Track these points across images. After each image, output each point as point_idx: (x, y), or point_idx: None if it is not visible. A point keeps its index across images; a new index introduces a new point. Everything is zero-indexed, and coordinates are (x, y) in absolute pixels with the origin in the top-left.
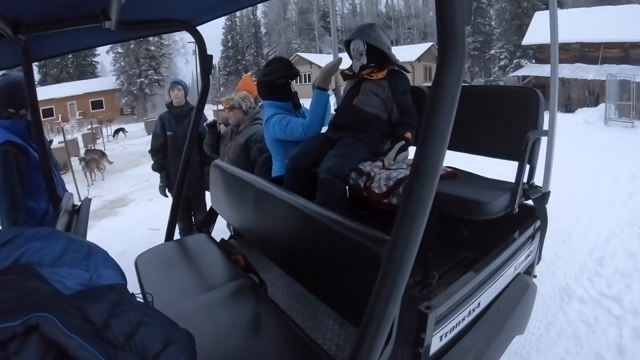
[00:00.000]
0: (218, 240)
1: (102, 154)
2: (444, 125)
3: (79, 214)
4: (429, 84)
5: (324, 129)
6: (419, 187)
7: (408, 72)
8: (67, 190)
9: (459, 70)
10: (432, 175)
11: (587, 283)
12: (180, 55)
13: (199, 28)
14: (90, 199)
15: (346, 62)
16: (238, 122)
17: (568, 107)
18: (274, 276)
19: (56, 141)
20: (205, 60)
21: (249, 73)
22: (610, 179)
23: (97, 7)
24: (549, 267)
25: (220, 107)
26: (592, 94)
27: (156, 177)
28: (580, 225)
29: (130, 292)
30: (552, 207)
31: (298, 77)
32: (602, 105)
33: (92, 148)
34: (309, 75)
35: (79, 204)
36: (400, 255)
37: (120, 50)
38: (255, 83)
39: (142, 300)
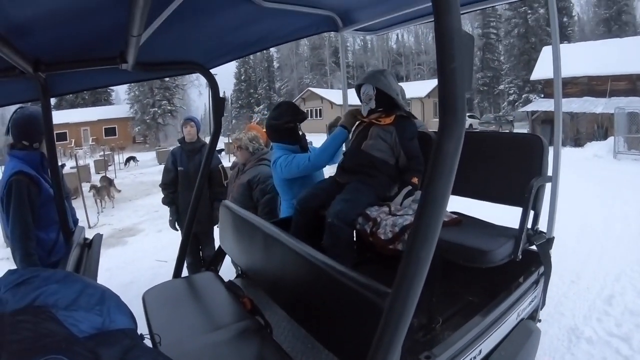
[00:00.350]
0: (226, 278)
1: (110, 182)
2: (443, 192)
3: (90, 249)
4: (437, 120)
5: (332, 171)
6: (417, 249)
7: (416, 118)
8: (78, 219)
9: (459, 136)
10: (431, 239)
11: (596, 323)
12: (194, 87)
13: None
14: (102, 235)
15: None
16: (245, 161)
17: (577, 141)
18: (279, 317)
19: (68, 166)
20: (217, 102)
21: (254, 120)
22: (620, 215)
23: (115, 50)
24: (557, 307)
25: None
26: (600, 128)
27: (166, 208)
28: (589, 264)
29: (139, 332)
30: (561, 246)
31: (309, 112)
32: (611, 139)
33: (105, 175)
34: (320, 110)
35: (90, 237)
36: (400, 309)
37: None
38: (263, 126)
39: (149, 339)
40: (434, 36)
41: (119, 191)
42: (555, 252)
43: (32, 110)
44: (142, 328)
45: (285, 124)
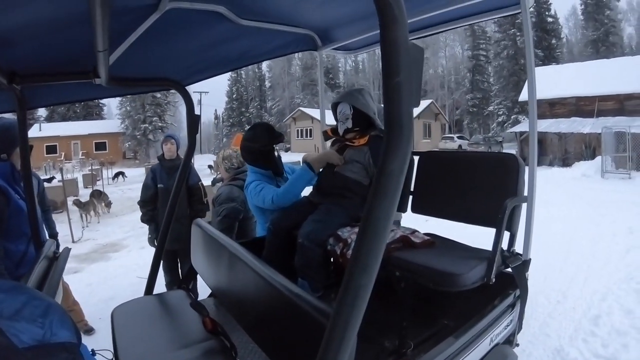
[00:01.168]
0: (205, 295)
1: (101, 196)
2: (386, 214)
3: (57, 262)
4: (427, 141)
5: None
6: (357, 276)
7: None
8: (57, 233)
9: (404, 155)
10: (372, 265)
11: (582, 344)
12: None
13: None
14: (70, 249)
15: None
16: (226, 178)
17: (565, 161)
18: (247, 339)
19: (57, 179)
20: (192, 120)
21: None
22: (608, 233)
23: (89, 64)
24: (542, 328)
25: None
26: (588, 147)
27: None
28: (576, 283)
29: (91, 348)
30: (548, 265)
31: (300, 132)
32: (598, 158)
33: (97, 189)
34: (310, 130)
35: (60, 251)
36: (340, 337)
37: None
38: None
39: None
40: (380, 48)
41: (109, 205)
42: (541, 272)
43: (4, 122)
44: (109, 344)
45: (261, 147)
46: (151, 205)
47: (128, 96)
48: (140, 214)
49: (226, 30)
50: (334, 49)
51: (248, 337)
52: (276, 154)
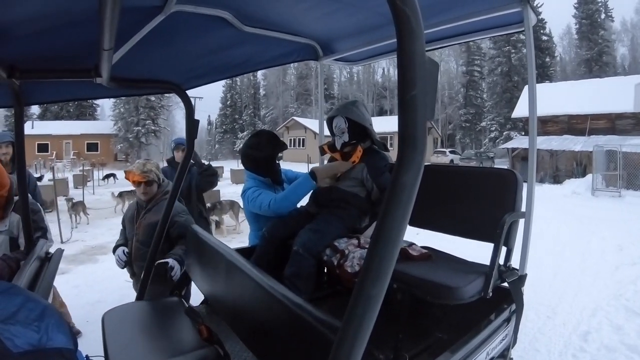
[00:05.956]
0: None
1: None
2: (399, 226)
3: (50, 263)
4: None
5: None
6: (368, 287)
7: (387, 150)
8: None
9: (418, 168)
10: (383, 277)
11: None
12: (180, 108)
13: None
14: (63, 250)
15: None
16: (152, 196)
17: (556, 178)
18: (240, 348)
19: (46, 178)
20: (191, 124)
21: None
22: (597, 251)
23: (90, 62)
24: (532, 343)
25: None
26: (579, 165)
27: None
28: (566, 299)
29: (85, 354)
30: (537, 280)
31: (292, 141)
32: (589, 176)
33: (127, 191)
34: (303, 139)
35: (52, 252)
36: (348, 349)
37: None
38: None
39: None
40: (397, 61)
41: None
42: (531, 287)
43: None
44: (99, 349)
45: (265, 156)
46: None
47: (122, 98)
48: None
49: (229, 36)
50: (334, 59)
51: (242, 345)
52: (277, 162)
